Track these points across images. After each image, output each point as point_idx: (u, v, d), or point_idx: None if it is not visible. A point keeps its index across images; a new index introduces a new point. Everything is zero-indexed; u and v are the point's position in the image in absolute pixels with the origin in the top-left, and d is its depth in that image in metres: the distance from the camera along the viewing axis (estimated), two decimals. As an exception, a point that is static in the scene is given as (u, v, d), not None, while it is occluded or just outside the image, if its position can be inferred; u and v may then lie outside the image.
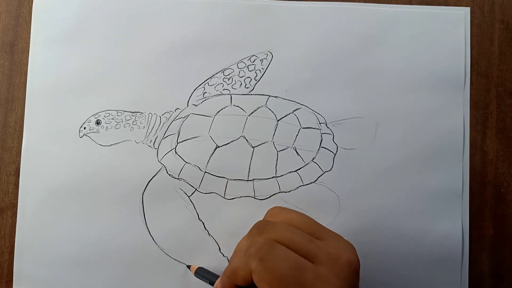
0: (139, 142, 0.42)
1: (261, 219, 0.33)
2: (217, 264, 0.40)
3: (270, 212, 0.33)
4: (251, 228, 0.31)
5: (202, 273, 0.39)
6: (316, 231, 0.30)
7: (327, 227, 0.31)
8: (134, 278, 0.40)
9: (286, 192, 0.41)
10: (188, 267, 0.40)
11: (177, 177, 0.41)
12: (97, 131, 0.41)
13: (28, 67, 0.42)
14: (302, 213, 0.31)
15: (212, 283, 0.37)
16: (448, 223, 0.41)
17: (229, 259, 0.39)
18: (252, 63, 0.42)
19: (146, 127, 0.42)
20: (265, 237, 0.28)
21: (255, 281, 0.27)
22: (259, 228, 0.29)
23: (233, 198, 0.41)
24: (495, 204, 0.42)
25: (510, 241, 0.41)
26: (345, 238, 0.31)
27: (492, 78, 0.43)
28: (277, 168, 0.41)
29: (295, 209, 0.40)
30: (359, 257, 0.29)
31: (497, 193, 0.42)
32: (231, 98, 0.42)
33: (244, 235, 0.31)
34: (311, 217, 0.32)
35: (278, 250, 0.27)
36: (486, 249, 0.41)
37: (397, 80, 0.42)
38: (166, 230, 0.41)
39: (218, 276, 0.37)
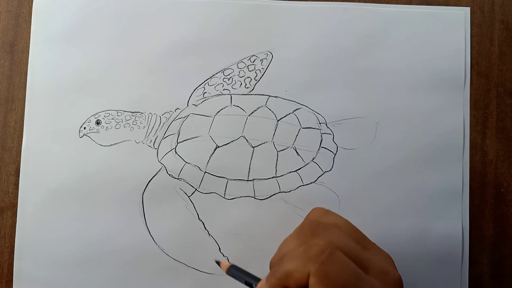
0: (139, 142, 0.42)
1: (305, 218, 0.31)
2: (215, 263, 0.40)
3: (316, 212, 0.31)
4: (301, 228, 0.29)
5: (236, 272, 0.34)
6: (362, 239, 0.29)
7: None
8: (134, 278, 0.40)
9: (286, 192, 0.41)
10: (218, 263, 0.36)
11: (177, 177, 0.41)
12: (97, 131, 0.41)
13: (28, 67, 0.42)
14: (346, 219, 0.30)
15: (248, 284, 0.33)
16: (448, 223, 0.41)
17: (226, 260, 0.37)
18: (252, 63, 0.42)
19: (146, 127, 0.42)
20: (325, 239, 0.27)
21: (312, 285, 0.25)
22: (313, 228, 0.28)
23: (233, 198, 0.41)
24: (495, 204, 0.42)
25: (510, 241, 0.41)
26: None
27: (492, 78, 0.43)
28: (277, 168, 0.41)
29: (295, 209, 0.40)
30: None
31: (497, 193, 0.42)
32: (231, 98, 0.42)
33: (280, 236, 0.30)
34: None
35: (339, 256, 0.26)
36: (486, 249, 0.41)
37: (397, 80, 0.42)
38: (166, 230, 0.41)
39: (253, 276, 0.33)
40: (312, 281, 0.25)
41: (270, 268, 0.30)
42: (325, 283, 0.25)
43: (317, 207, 0.32)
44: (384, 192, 0.41)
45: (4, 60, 0.42)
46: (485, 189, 0.42)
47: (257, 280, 0.32)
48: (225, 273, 0.34)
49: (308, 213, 0.32)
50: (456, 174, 0.41)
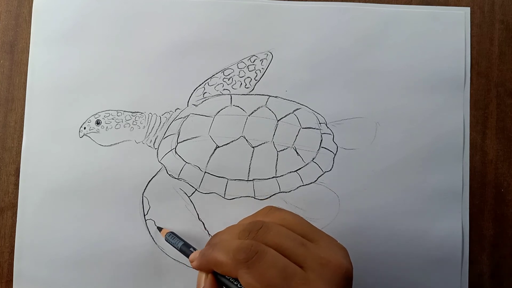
0: (139, 142, 0.42)
1: (254, 214, 0.33)
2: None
3: (264, 210, 0.32)
4: (243, 225, 0.30)
5: (172, 239, 0.38)
6: (309, 233, 0.29)
7: (327, 227, 0.31)
8: (134, 278, 0.40)
9: (286, 192, 0.41)
10: (159, 229, 0.40)
11: (177, 177, 0.41)
12: (97, 131, 0.41)
13: (28, 67, 0.42)
14: (295, 214, 0.31)
15: (182, 251, 0.37)
16: (448, 223, 0.41)
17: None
18: (252, 63, 0.42)
19: (146, 127, 0.42)
20: (256, 242, 0.28)
21: (243, 285, 0.27)
22: (252, 231, 0.29)
23: (233, 198, 0.41)
24: (495, 204, 0.42)
25: (510, 241, 0.41)
26: (339, 242, 0.30)
27: (492, 78, 0.43)
28: (277, 168, 0.41)
29: (295, 209, 0.40)
30: (356, 259, 0.29)
31: (497, 193, 0.42)
32: (231, 98, 0.42)
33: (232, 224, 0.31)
34: (311, 217, 0.31)
35: (267, 256, 0.27)
36: (486, 249, 0.41)
37: (397, 80, 0.42)
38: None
39: (188, 245, 0.37)
40: (241, 282, 0.27)
41: (206, 244, 0.32)
42: (252, 285, 0.26)
43: (267, 206, 0.33)
44: (384, 192, 0.41)
45: (4, 60, 0.42)
46: (485, 189, 0.42)
47: (192, 250, 0.36)
48: (164, 240, 0.38)
49: (258, 211, 0.33)
50: (456, 174, 0.41)
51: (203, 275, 0.30)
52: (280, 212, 0.31)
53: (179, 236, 0.38)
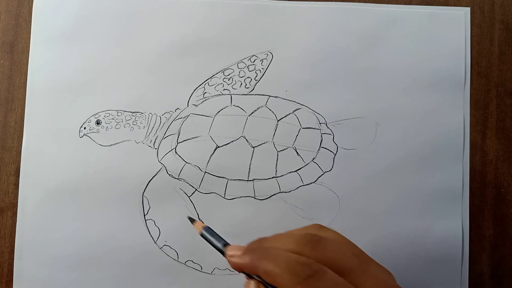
0: (139, 142, 0.42)
1: (304, 227, 0.31)
2: (215, 263, 0.40)
3: (315, 226, 0.31)
4: (300, 235, 0.29)
5: (210, 234, 0.33)
6: (360, 255, 0.29)
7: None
8: (134, 278, 0.40)
9: (286, 192, 0.41)
10: (192, 221, 0.35)
11: (177, 177, 0.41)
12: (97, 131, 0.41)
13: (28, 67, 0.42)
14: (342, 235, 0.30)
15: (219, 250, 0.32)
16: (448, 223, 0.41)
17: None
18: (252, 63, 0.42)
19: (146, 127, 0.42)
20: (314, 262, 0.27)
21: None
22: (312, 241, 0.28)
23: (233, 198, 0.41)
24: (495, 204, 0.42)
25: (510, 241, 0.42)
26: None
27: (492, 78, 0.43)
28: (277, 168, 0.41)
29: (295, 209, 0.40)
30: None
31: (497, 193, 0.42)
32: (231, 98, 0.42)
33: (277, 233, 0.29)
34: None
35: (327, 275, 0.26)
36: (486, 249, 0.41)
37: (397, 80, 0.42)
38: (166, 230, 0.41)
39: (226, 242, 0.32)
40: None
41: (248, 246, 0.30)
42: None
43: (314, 223, 0.32)
44: (384, 192, 0.41)
45: (4, 60, 0.42)
46: (485, 189, 0.42)
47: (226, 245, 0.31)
48: (199, 234, 0.33)
49: (307, 226, 0.31)
50: (456, 174, 0.41)
51: (251, 283, 0.28)
52: (329, 231, 0.30)
53: (214, 231, 0.34)
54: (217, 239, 0.33)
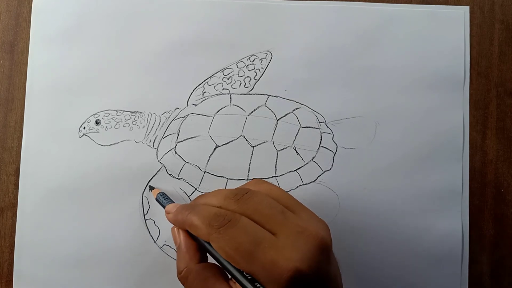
0: (139, 142, 0.42)
1: (243, 184, 0.33)
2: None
3: (252, 181, 0.33)
4: (230, 189, 0.31)
5: (164, 198, 0.38)
6: (292, 205, 0.30)
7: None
8: (133, 278, 0.40)
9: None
10: (151, 188, 0.40)
11: (177, 177, 0.41)
12: (97, 131, 0.41)
13: (28, 67, 0.42)
14: (281, 188, 0.32)
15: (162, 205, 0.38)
16: (448, 223, 0.41)
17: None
18: (251, 63, 0.42)
19: (146, 127, 0.42)
20: (231, 212, 0.29)
21: (214, 248, 0.28)
22: (237, 195, 0.30)
23: (233, 198, 0.41)
24: (495, 204, 0.42)
25: (510, 241, 0.41)
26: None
27: (492, 78, 0.43)
28: (277, 168, 0.41)
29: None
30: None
31: (497, 193, 0.42)
32: (230, 98, 0.42)
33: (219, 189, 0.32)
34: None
35: (239, 224, 0.28)
36: (486, 249, 0.41)
37: (397, 80, 0.42)
38: (166, 230, 0.41)
39: (171, 200, 0.38)
40: (213, 245, 0.28)
41: (192, 202, 0.34)
42: (222, 248, 0.27)
43: (256, 178, 0.34)
44: (384, 191, 0.41)
45: (4, 60, 0.42)
46: (485, 189, 0.42)
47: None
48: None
49: (247, 182, 0.34)
50: (456, 174, 0.41)
51: (176, 230, 0.32)
52: (267, 184, 0.32)
53: (170, 197, 0.39)
54: (169, 202, 0.37)
